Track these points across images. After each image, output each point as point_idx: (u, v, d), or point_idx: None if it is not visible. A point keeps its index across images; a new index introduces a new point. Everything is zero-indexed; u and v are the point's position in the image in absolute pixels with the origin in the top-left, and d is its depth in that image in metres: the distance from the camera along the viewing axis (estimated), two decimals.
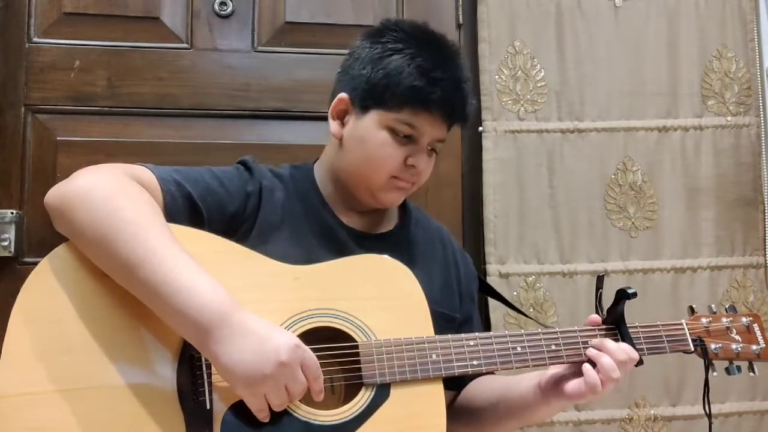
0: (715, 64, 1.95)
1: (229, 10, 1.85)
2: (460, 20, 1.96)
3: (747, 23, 1.97)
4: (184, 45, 1.83)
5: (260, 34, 1.87)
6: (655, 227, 1.90)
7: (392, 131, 1.19)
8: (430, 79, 1.17)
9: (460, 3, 1.96)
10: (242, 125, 1.84)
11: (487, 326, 1.79)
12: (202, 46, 1.84)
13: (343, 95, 1.24)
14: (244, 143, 1.81)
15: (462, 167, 1.93)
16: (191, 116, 1.82)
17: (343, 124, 1.25)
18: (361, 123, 1.22)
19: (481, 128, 1.89)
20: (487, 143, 1.88)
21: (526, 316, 1.52)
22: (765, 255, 1.90)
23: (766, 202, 1.91)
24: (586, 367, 1.14)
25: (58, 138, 1.75)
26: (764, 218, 1.91)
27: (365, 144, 1.21)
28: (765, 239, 1.90)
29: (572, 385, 1.14)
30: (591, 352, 1.15)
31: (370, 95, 1.20)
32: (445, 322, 1.24)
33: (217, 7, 1.84)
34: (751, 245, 1.90)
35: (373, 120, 1.20)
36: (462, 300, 1.35)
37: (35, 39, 1.77)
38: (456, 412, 1.33)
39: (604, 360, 1.12)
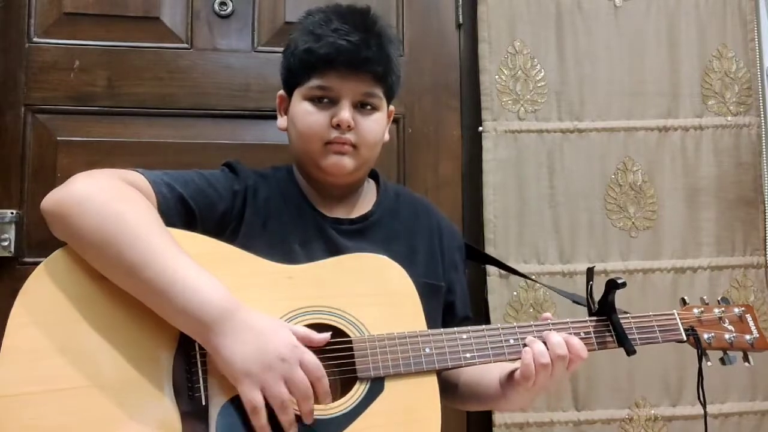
0: (716, 63, 1.95)
1: (229, 10, 1.85)
2: (460, 20, 1.96)
3: (747, 23, 1.96)
4: (184, 45, 1.83)
5: (260, 34, 1.87)
6: (655, 227, 1.90)
7: (310, 100, 1.24)
8: (316, 36, 1.22)
9: (460, 3, 1.96)
10: (242, 125, 1.84)
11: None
12: (202, 46, 1.84)
13: (280, 92, 1.33)
14: (244, 143, 1.82)
15: (462, 167, 1.93)
16: (191, 116, 1.82)
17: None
18: (291, 108, 1.28)
19: (481, 128, 1.89)
20: (487, 143, 1.88)
21: (521, 275, 1.52)
22: (765, 255, 1.89)
23: (766, 202, 1.91)
24: (525, 351, 1.14)
25: (58, 138, 1.75)
26: (764, 218, 1.90)
27: (295, 122, 1.26)
28: (765, 239, 1.90)
29: (516, 372, 1.16)
30: (528, 339, 1.16)
31: (287, 80, 1.29)
32: (431, 292, 1.26)
33: (217, 7, 1.85)
34: (752, 245, 1.90)
35: (295, 100, 1.27)
36: (445, 269, 1.36)
37: (35, 39, 1.77)
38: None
39: (536, 346, 1.13)
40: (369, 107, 1.27)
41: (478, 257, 1.53)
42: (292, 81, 1.28)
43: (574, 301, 1.33)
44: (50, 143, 1.75)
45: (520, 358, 1.16)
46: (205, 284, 1.00)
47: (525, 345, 1.15)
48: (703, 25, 1.96)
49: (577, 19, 1.93)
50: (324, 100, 1.24)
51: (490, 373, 1.25)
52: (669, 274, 1.87)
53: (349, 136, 1.23)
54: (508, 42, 1.92)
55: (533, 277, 1.60)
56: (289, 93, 1.30)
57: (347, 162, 1.25)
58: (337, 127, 1.22)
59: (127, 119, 1.79)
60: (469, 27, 1.95)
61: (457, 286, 1.39)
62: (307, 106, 1.24)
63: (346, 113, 1.22)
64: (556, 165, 1.89)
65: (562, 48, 1.93)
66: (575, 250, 1.87)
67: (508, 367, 1.21)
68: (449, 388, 1.33)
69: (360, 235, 1.29)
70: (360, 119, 1.24)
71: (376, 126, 1.28)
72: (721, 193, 1.91)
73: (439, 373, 1.32)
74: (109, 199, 1.03)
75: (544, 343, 1.14)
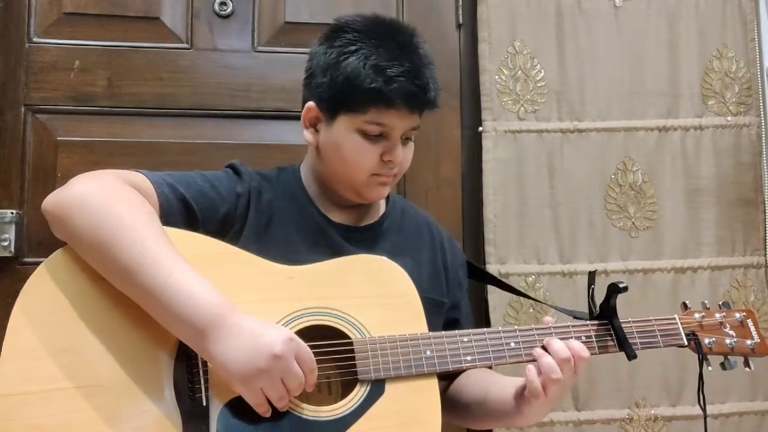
0: (716, 63, 1.95)
1: (229, 10, 1.85)
2: (460, 20, 1.96)
3: (747, 23, 1.96)
4: (184, 45, 1.83)
5: (260, 34, 1.87)
6: (655, 227, 1.90)
7: (363, 133, 1.21)
8: (387, 77, 1.17)
9: (460, 3, 1.96)
10: (242, 125, 1.84)
11: (487, 326, 1.79)
12: (202, 46, 1.84)
13: (311, 104, 1.25)
14: (244, 143, 1.82)
15: (462, 167, 1.93)
16: (191, 116, 1.82)
17: (316, 131, 1.27)
18: (333, 129, 1.23)
19: (481, 128, 1.89)
20: (487, 143, 1.88)
21: (519, 293, 1.52)
22: (765, 255, 1.89)
23: (766, 202, 1.91)
24: (529, 369, 1.14)
25: (58, 138, 1.75)
26: (765, 218, 1.90)
27: (340, 149, 1.23)
28: (765, 239, 1.90)
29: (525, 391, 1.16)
30: (536, 351, 1.16)
31: (334, 102, 1.22)
32: (434, 307, 1.26)
33: (217, 7, 1.84)
34: (752, 245, 1.90)
35: (342, 125, 1.22)
36: (449, 286, 1.37)
37: (35, 39, 1.77)
38: (446, 402, 1.34)
39: (545, 360, 1.13)
40: (412, 136, 1.28)
41: (479, 276, 1.52)
42: (338, 105, 1.21)
43: (575, 317, 1.32)
44: (50, 143, 1.75)
45: (521, 362, 1.17)
46: (198, 289, 1.00)
47: (533, 358, 1.15)
48: (703, 25, 1.95)
49: (578, 19, 1.93)
50: (375, 135, 1.21)
51: (502, 391, 1.25)
52: (669, 274, 1.87)
53: (395, 169, 1.25)
54: (508, 42, 1.92)
55: (532, 278, 1.59)
56: (330, 111, 1.23)
57: (388, 190, 1.30)
58: (388, 162, 1.23)
59: (127, 119, 1.79)
60: (469, 27, 1.95)
61: (462, 304, 1.40)
62: (358, 139, 1.21)
63: (399, 154, 1.23)
64: (556, 165, 1.89)
65: (562, 48, 1.93)
66: (575, 250, 1.87)
67: (519, 382, 1.21)
68: (450, 408, 1.33)
69: (367, 243, 1.28)
70: (403, 150, 1.25)
71: (412, 153, 1.30)
72: (721, 193, 1.91)
73: (445, 391, 1.34)
74: (108, 201, 1.03)
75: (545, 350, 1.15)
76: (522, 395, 1.19)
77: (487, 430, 1.79)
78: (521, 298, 1.81)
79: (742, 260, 1.89)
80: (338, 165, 1.25)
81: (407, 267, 1.19)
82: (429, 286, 1.29)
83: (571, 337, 1.18)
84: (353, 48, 1.19)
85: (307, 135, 1.28)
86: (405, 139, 1.26)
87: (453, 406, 1.33)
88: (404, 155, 1.25)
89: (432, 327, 1.18)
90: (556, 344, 1.14)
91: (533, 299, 1.58)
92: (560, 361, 1.13)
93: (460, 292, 1.40)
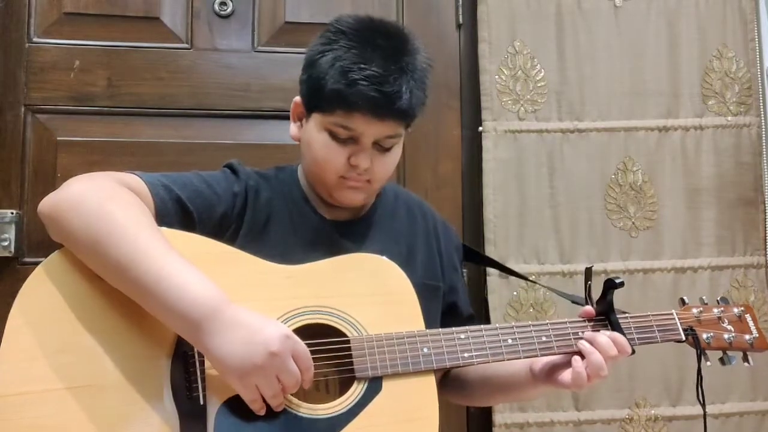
0: (716, 63, 1.95)
1: (229, 10, 1.85)
2: (460, 20, 1.96)
3: (747, 23, 1.96)
4: (184, 45, 1.84)
5: (260, 34, 1.87)
6: (655, 227, 1.90)
7: (331, 133, 1.19)
8: (349, 80, 1.14)
9: (460, 3, 1.96)
10: (242, 125, 1.85)
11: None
12: (202, 46, 1.84)
13: (297, 99, 1.27)
14: (244, 143, 1.82)
15: (462, 167, 1.93)
16: (191, 116, 1.82)
17: (301, 126, 1.27)
18: (308, 126, 1.23)
19: (481, 128, 1.89)
20: (487, 143, 1.88)
21: (518, 275, 1.53)
22: (765, 255, 1.89)
23: (766, 202, 1.91)
24: (576, 360, 1.16)
25: (58, 138, 1.75)
26: (765, 218, 1.90)
27: (311, 146, 1.22)
28: (765, 239, 1.90)
29: (563, 375, 1.18)
30: (583, 345, 1.17)
31: (308, 99, 1.22)
32: (429, 292, 1.27)
33: (217, 7, 1.85)
34: (752, 245, 1.90)
35: (315, 122, 1.21)
36: (444, 270, 1.37)
37: (35, 39, 1.78)
38: (450, 381, 1.39)
39: (594, 358, 1.15)
40: (388, 145, 1.23)
41: (475, 258, 1.53)
42: (312, 102, 1.21)
43: (573, 302, 1.33)
44: (50, 143, 1.75)
45: (518, 358, 1.17)
46: (192, 282, 0.99)
47: (577, 348, 1.17)
48: (703, 25, 1.96)
49: (577, 19, 1.93)
50: (344, 137, 1.19)
51: (512, 363, 1.25)
52: (669, 274, 1.88)
53: (365, 175, 1.22)
54: (508, 42, 1.92)
55: (532, 277, 1.59)
56: (306, 108, 1.23)
57: (360, 196, 1.26)
58: (355, 166, 1.20)
59: (127, 119, 1.79)
60: (469, 27, 1.95)
61: (458, 286, 1.40)
62: (326, 139, 1.19)
63: (365, 160, 1.19)
64: (556, 165, 1.89)
65: (562, 48, 1.93)
66: (575, 250, 1.87)
67: (539, 360, 1.22)
68: (454, 387, 1.36)
69: (360, 236, 1.28)
70: (377, 157, 1.21)
71: (392, 161, 1.26)
72: (721, 193, 1.91)
73: (447, 373, 1.36)
74: (103, 201, 1.03)
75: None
76: (548, 373, 1.21)
77: (487, 407, 1.81)
78: (521, 298, 1.83)
79: (742, 260, 1.89)
80: (311, 163, 1.25)
81: (401, 255, 1.20)
82: (424, 272, 1.30)
83: (569, 333, 1.19)
84: (328, 48, 1.18)
85: (293, 128, 1.29)
86: (382, 148, 1.22)
87: (457, 385, 1.36)
88: (379, 164, 1.22)
89: (429, 312, 1.19)
90: (603, 341, 1.16)
91: (532, 281, 1.58)
92: (607, 358, 1.14)
93: (455, 275, 1.40)
